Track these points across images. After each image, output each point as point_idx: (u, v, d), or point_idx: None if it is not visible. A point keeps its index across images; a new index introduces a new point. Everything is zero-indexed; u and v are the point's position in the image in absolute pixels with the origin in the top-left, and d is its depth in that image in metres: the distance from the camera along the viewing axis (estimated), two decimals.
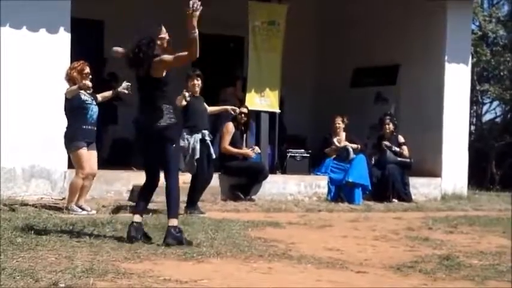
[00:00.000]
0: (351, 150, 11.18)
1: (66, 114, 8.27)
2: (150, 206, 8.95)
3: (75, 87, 8.10)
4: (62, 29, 9.38)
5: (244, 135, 10.46)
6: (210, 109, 9.15)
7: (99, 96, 8.41)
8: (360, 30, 13.32)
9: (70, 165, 8.90)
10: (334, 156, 11.31)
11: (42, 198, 9.07)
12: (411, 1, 12.24)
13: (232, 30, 12.43)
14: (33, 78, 9.15)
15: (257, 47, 11.10)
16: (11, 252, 5.56)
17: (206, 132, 8.72)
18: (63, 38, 9.37)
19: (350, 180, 10.85)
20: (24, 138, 9.11)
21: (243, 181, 10.33)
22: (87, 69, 8.24)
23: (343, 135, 11.47)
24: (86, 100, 8.21)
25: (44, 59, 9.23)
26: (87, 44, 11.08)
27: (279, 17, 11.19)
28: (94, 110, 8.25)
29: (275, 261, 5.87)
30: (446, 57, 12.18)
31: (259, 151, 10.57)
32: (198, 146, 8.59)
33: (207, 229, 7.14)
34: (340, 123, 11.48)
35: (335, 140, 11.42)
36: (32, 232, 6.37)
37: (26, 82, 9.08)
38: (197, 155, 8.59)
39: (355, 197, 10.82)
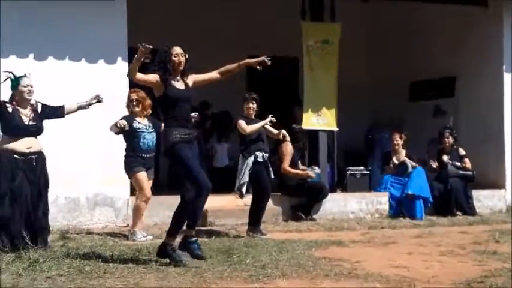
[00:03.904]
0: (409, 164, 11.07)
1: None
2: (214, 228, 9.13)
3: (113, 123, 8.30)
4: (119, 59, 9.57)
5: (305, 153, 10.50)
6: (251, 128, 8.82)
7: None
8: (416, 43, 13.22)
9: (133, 193, 9.04)
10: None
11: (106, 226, 9.22)
12: (467, 12, 12.10)
13: (286, 52, 12.45)
14: (94, 108, 9.31)
15: (312, 66, 11.09)
16: (80, 280, 5.66)
17: (260, 153, 8.76)
18: (121, 68, 9.55)
19: (410, 192, 10.73)
20: (86, 168, 9.28)
21: (304, 201, 10.32)
22: (132, 96, 8.44)
23: (402, 152, 11.36)
24: (138, 128, 8.33)
25: (103, 88, 9.37)
26: (143, 71, 11.22)
27: (333, 35, 11.16)
28: (147, 138, 8.33)
29: (342, 280, 5.83)
30: (504, 67, 11.99)
31: (318, 171, 10.56)
32: (247, 171, 8.68)
33: (271, 250, 7.13)
34: (398, 139, 11.38)
35: (394, 158, 11.32)
36: (99, 260, 6.47)
37: (87, 112, 9.24)
38: (245, 179, 8.68)
39: (416, 210, 10.70)
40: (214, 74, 6.80)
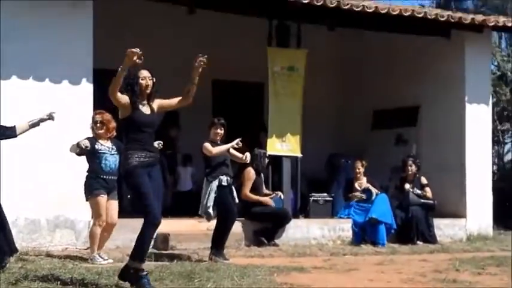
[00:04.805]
0: (373, 191, 11.17)
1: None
2: (176, 252, 9.07)
3: (75, 143, 8.21)
4: (84, 80, 9.53)
5: (262, 175, 10.51)
6: (217, 150, 8.81)
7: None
8: (379, 72, 13.39)
9: None
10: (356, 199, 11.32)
11: (67, 248, 9.11)
12: (429, 43, 12.31)
13: (251, 77, 12.53)
14: (57, 129, 9.23)
15: (277, 92, 11.16)
16: None
17: (224, 178, 8.76)
18: (86, 89, 9.51)
19: (373, 216, 10.79)
20: (47, 189, 9.17)
21: (267, 226, 10.31)
22: (97, 117, 8.34)
23: (364, 179, 11.49)
24: (100, 150, 8.25)
25: (67, 109, 9.34)
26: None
27: (298, 62, 11.26)
28: (109, 160, 8.24)
29: None
30: (466, 98, 12.20)
31: (282, 196, 10.58)
32: (212, 194, 8.67)
33: (233, 275, 7.09)
34: (360, 167, 11.52)
35: (356, 184, 11.44)
36: (59, 283, 6.37)
37: (49, 133, 9.16)
38: (210, 203, 8.67)
39: (379, 236, 10.74)
40: (177, 99, 6.77)
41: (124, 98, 6.41)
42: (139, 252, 6.32)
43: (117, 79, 6.26)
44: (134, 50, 6.14)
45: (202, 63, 6.54)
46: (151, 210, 6.28)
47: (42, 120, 7.58)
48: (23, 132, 7.59)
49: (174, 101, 6.75)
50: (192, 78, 6.60)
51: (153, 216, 6.27)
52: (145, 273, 6.29)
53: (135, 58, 6.15)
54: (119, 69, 6.24)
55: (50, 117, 7.61)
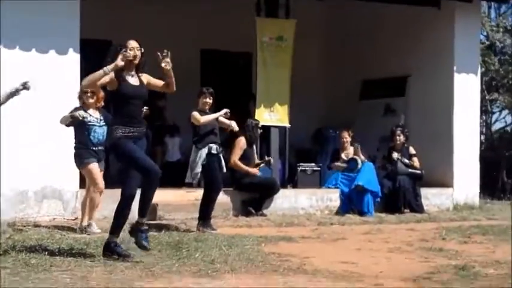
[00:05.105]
0: (359, 160, 11.18)
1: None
2: (164, 222, 9.09)
3: (67, 114, 8.17)
4: (71, 50, 9.45)
5: (254, 146, 10.50)
6: (205, 119, 8.86)
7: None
8: (368, 42, 13.34)
9: (82, 185, 8.95)
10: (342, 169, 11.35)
11: (54, 219, 9.11)
12: (419, 13, 12.26)
13: (239, 47, 12.47)
14: (43, 99, 9.19)
15: (266, 62, 11.12)
16: (25, 273, 5.59)
17: (213, 145, 8.79)
18: (73, 59, 9.44)
19: (360, 183, 10.82)
20: (35, 160, 9.14)
21: (255, 196, 10.33)
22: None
23: (350, 148, 11.48)
24: (89, 121, 8.23)
25: (53, 79, 9.28)
26: (96, 63, 11.11)
27: (287, 32, 11.21)
28: (98, 131, 8.24)
29: (290, 275, 5.86)
30: (455, 68, 12.17)
31: (272, 161, 10.59)
32: (200, 162, 8.72)
33: (221, 245, 7.13)
34: (347, 137, 11.51)
35: (343, 154, 11.45)
36: (46, 253, 6.40)
37: (36, 103, 9.11)
38: (198, 170, 8.72)
39: (364, 205, 10.78)
40: (162, 83, 6.69)
41: (107, 77, 6.35)
42: (145, 208, 6.47)
43: (97, 77, 6.30)
44: (127, 53, 6.29)
45: (167, 63, 6.46)
46: (151, 168, 6.40)
47: (17, 90, 7.33)
48: (2, 104, 7.48)
49: (160, 82, 6.70)
50: (166, 76, 6.55)
51: (154, 172, 6.39)
52: (146, 227, 6.47)
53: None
54: (105, 68, 6.28)
55: (25, 86, 7.38)
